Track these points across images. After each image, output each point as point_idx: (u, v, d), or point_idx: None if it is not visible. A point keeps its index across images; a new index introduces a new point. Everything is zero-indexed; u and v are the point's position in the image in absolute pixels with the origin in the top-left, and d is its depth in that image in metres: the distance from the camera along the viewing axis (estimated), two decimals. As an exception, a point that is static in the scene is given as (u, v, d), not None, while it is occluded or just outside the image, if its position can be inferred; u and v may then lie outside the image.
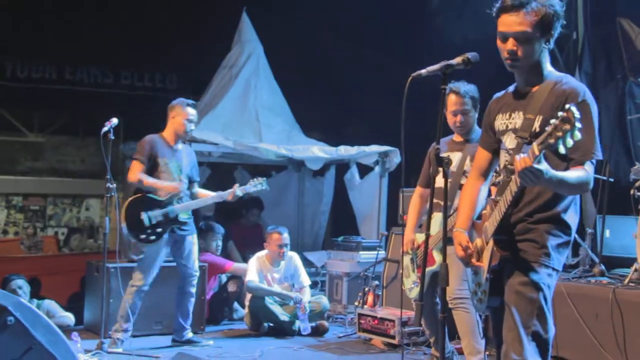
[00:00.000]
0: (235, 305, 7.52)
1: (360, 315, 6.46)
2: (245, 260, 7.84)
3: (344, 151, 8.54)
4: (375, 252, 7.42)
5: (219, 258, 7.52)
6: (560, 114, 2.69)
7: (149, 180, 5.88)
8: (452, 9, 8.89)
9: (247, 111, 8.92)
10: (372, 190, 8.67)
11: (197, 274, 6.21)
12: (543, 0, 3.09)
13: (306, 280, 7.14)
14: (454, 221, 3.57)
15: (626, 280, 5.27)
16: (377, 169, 8.71)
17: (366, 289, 6.81)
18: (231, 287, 7.44)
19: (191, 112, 6.05)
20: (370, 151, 8.58)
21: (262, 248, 7.07)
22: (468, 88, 4.88)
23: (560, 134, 2.67)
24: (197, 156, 8.01)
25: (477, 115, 4.92)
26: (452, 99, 4.87)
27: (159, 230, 5.90)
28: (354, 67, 9.55)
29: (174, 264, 6.23)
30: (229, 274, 7.58)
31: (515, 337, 3.09)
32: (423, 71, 3.21)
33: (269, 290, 6.82)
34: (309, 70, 9.87)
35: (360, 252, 7.73)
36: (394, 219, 7.84)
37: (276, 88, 9.28)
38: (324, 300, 7.12)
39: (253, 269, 6.86)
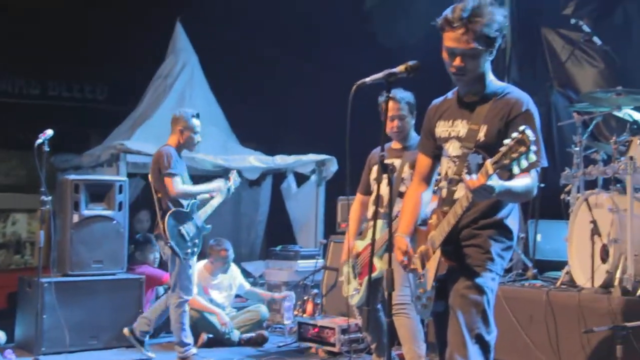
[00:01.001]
0: (173, 317, 7.43)
1: (300, 324, 6.48)
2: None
3: (281, 160, 8.56)
4: (314, 261, 7.46)
5: (156, 270, 7.42)
6: (514, 135, 2.75)
7: (198, 187, 5.95)
8: (386, 14, 9.03)
9: (182, 121, 8.83)
10: (309, 199, 8.72)
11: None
12: (486, 13, 3.14)
13: (247, 286, 7.22)
14: (395, 227, 3.62)
15: (558, 283, 5.44)
16: (313, 177, 8.77)
17: (305, 298, 6.83)
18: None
19: (197, 123, 5.99)
20: (307, 160, 8.62)
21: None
22: (404, 94, 4.95)
23: (515, 155, 2.74)
24: (131, 167, 7.98)
25: (414, 122, 5.01)
26: (388, 104, 4.91)
27: (197, 241, 5.90)
28: (289, 76, 9.57)
29: (108, 276, 6.15)
30: (166, 285, 7.49)
31: (459, 340, 3.16)
32: (367, 80, 3.26)
33: (207, 306, 6.79)
34: (244, 80, 9.85)
35: (299, 261, 7.75)
36: (332, 228, 7.89)
37: (211, 98, 9.25)
38: (263, 309, 7.12)
39: None
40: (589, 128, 5.89)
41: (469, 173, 3.06)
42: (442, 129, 3.39)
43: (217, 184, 6.05)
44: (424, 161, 3.55)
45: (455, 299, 3.23)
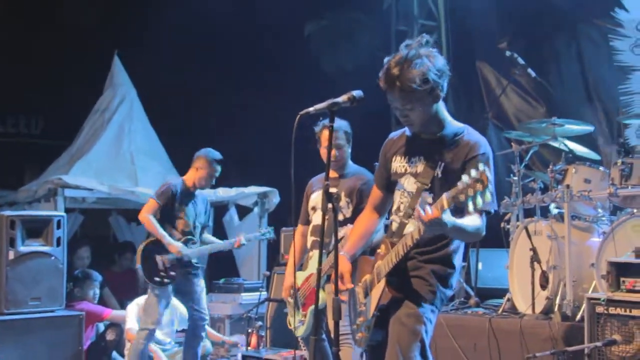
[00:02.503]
0: (114, 354, 7.26)
1: (244, 357, 6.41)
2: (122, 307, 7.61)
3: (223, 193, 8.51)
4: (258, 293, 7.40)
5: (96, 306, 7.26)
6: (473, 173, 2.77)
7: (156, 228, 5.86)
8: (324, 40, 9.15)
9: (121, 155, 8.75)
10: (252, 231, 8.65)
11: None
12: (414, 69, 3.12)
13: None
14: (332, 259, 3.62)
15: (500, 310, 5.54)
16: (256, 209, 8.74)
17: (249, 331, 6.77)
18: (110, 336, 7.18)
19: (217, 169, 6.04)
20: (249, 192, 8.61)
21: (137, 294, 6.92)
22: (341, 123, 4.94)
23: (471, 192, 2.76)
24: (69, 202, 7.83)
25: (350, 150, 5.04)
26: (325, 134, 4.93)
27: (173, 273, 5.91)
28: (229, 108, 9.59)
29: (46, 314, 6.04)
30: (107, 322, 7.33)
31: None
32: (311, 109, 3.27)
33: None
34: (183, 113, 9.82)
35: (242, 294, 7.69)
36: (275, 259, 7.86)
37: (151, 132, 9.18)
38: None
39: (132, 316, 6.68)
40: (527, 157, 6.04)
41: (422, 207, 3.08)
42: (398, 164, 3.42)
43: (175, 246, 5.90)
44: (376, 193, 3.59)
45: (395, 325, 3.25)
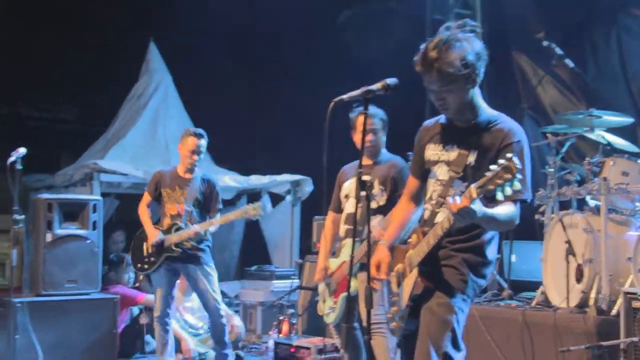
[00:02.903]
0: (148, 337, 7.35)
1: (276, 344, 6.44)
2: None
3: (256, 180, 8.55)
4: (290, 281, 7.43)
5: (130, 290, 7.35)
6: (501, 161, 2.75)
7: (143, 218, 6.04)
8: (357, 29, 9.12)
9: (156, 141, 8.84)
10: (285, 219, 8.71)
11: (219, 304, 6.00)
12: (452, 51, 3.11)
13: None
14: (365, 247, 3.61)
15: (533, 303, 5.48)
16: (288, 197, 8.76)
17: (281, 318, 6.80)
18: (143, 320, 7.26)
19: (195, 142, 5.93)
20: (282, 180, 8.63)
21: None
22: (377, 111, 4.91)
23: (500, 181, 2.74)
24: (105, 187, 7.92)
25: (384, 138, 5.02)
26: (360, 120, 4.90)
27: (152, 259, 5.94)
28: (264, 96, 9.61)
29: (81, 296, 6.16)
30: (141, 306, 7.42)
31: (426, 359, 3.17)
32: (344, 97, 3.27)
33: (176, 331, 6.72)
34: (218, 100, 9.85)
35: (274, 281, 7.72)
36: (307, 247, 7.88)
37: (186, 118, 9.24)
38: (238, 329, 7.06)
39: None
40: (563, 149, 5.96)
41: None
42: (431, 152, 3.40)
43: (151, 233, 5.93)
44: (412, 181, 3.58)
45: (425, 315, 3.25)
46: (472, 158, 3.22)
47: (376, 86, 3.27)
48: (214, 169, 8.86)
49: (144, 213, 6.07)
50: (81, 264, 6.48)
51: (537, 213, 5.92)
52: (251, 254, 9.19)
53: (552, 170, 5.76)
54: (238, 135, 9.70)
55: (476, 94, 3.28)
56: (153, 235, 5.91)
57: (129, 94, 9.37)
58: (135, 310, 7.49)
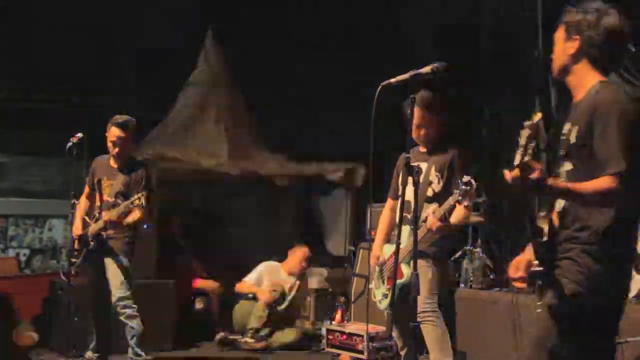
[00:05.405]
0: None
1: (328, 330, 6.43)
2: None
3: (308, 168, 8.53)
4: (344, 268, 7.42)
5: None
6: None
7: (76, 217, 5.84)
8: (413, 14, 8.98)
9: (211, 130, 8.90)
10: (339, 206, 8.69)
11: (119, 301, 5.73)
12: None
13: None
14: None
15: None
16: (342, 185, 8.73)
17: (337, 304, 6.79)
18: (198, 305, 7.36)
19: (113, 131, 5.72)
20: (336, 167, 8.60)
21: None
22: (427, 99, 4.80)
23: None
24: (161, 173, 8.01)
25: (438, 125, 4.90)
26: (415, 112, 4.82)
27: (78, 249, 5.82)
28: (319, 83, 9.57)
29: (138, 280, 6.21)
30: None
31: None
32: (392, 80, 3.24)
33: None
34: (273, 87, 9.87)
35: (328, 268, 7.72)
36: (361, 235, 7.84)
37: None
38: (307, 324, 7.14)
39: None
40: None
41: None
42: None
43: (74, 225, 5.83)
44: None
45: None
46: (573, 136, 2.86)
47: (425, 70, 3.24)
48: (269, 156, 8.87)
49: (78, 204, 5.90)
50: (138, 249, 6.56)
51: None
52: (305, 241, 9.19)
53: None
54: (293, 122, 9.69)
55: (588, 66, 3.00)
56: (74, 227, 5.85)
57: (186, 81, 9.44)
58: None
